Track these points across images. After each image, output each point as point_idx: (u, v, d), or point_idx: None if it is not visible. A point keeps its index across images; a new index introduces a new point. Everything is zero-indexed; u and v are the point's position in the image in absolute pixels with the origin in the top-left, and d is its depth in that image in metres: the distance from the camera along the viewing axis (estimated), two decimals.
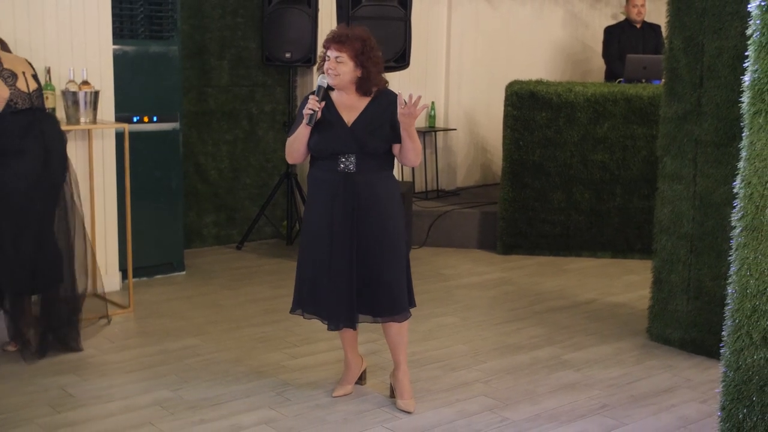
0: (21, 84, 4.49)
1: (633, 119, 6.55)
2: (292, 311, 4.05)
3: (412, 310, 3.99)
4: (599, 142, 6.61)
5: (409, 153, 3.80)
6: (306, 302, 3.97)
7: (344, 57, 3.76)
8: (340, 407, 3.99)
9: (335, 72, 3.77)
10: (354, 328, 3.98)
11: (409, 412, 3.92)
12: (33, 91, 4.53)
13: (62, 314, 4.64)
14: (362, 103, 3.84)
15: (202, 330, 5.02)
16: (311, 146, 3.83)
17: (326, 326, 3.96)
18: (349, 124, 3.81)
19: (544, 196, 6.73)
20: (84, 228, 4.81)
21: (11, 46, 5.07)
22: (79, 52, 5.38)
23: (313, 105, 3.74)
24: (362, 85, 3.82)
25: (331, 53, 3.77)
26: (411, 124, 3.73)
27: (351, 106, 3.84)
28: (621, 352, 4.78)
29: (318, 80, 3.82)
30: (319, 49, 3.95)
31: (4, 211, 4.44)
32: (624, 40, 8.00)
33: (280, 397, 4.09)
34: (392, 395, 4.04)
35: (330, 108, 3.83)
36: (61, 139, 4.65)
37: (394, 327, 3.94)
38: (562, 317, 5.37)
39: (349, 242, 3.82)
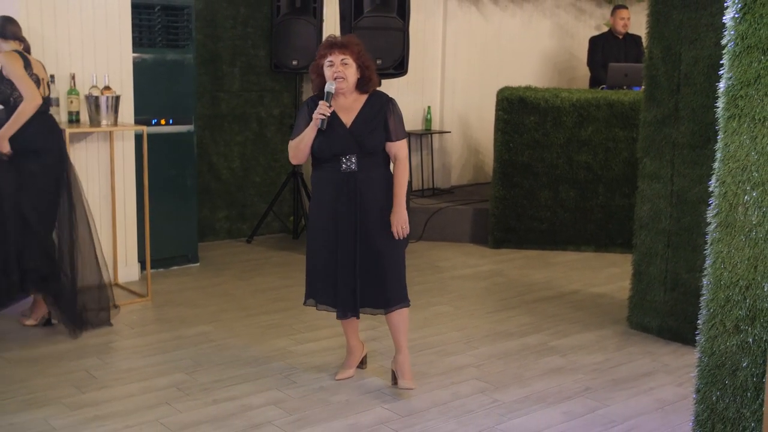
0: (43, 89, 4.63)
1: (615, 123, 6.55)
2: (306, 303, 4.04)
3: None
4: (583, 144, 6.61)
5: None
6: (319, 294, 3.97)
7: (349, 59, 3.76)
8: (343, 389, 4.00)
9: (343, 75, 3.76)
10: (358, 316, 3.98)
11: (411, 389, 3.92)
12: (48, 96, 4.72)
13: (93, 296, 4.75)
14: (358, 104, 3.84)
15: (214, 317, 5.02)
16: (314, 149, 3.82)
17: (335, 315, 3.97)
18: (348, 126, 3.81)
19: (532, 194, 6.73)
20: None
21: (39, 54, 5.09)
22: (101, 59, 5.38)
23: (324, 110, 3.73)
24: (364, 85, 3.83)
25: (335, 58, 3.75)
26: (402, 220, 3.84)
27: (348, 108, 3.83)
28: (603, 339, 4.78)
29: (326, 87, 3.79)
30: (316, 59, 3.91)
31: (44, 204, 4.62)
32: (607, 49, 8.00)
33: (287, 380, 4.09)
34: (394, 381, 4.01)
35: (331, 112, 3.82)
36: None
37: (396, 314, 3.95)
38: (548, 307, 5.37)
39: (353, 237, 3.83)
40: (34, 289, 4.68)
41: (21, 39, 4.65)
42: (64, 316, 4.63)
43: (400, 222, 3.81)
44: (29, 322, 4.74)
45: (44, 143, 4.59)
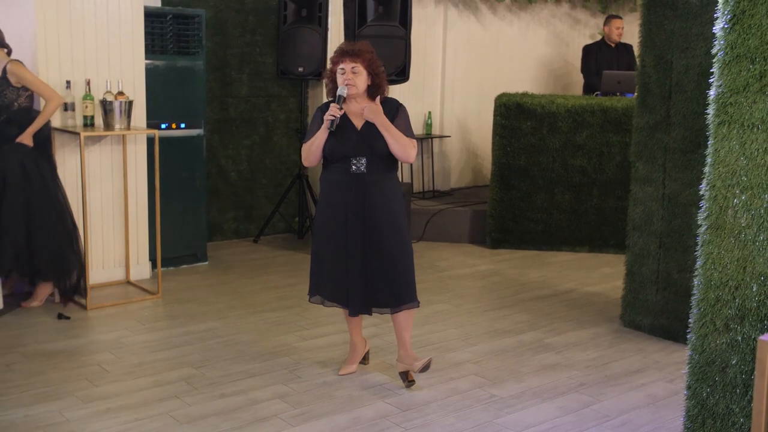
0: None
1: (609, 128, 6.54)
2: (311, 298, 4.02)
3: None
4: (578, 149, 6.60)
5: (391, 147, 3.76)
6: (327, 291, 3.94)
7: (359, 67, 3.75)
8: (346, 384, 3.99)
9: (353, 82, 3.75)
10: (370, 314, 3.96)
11: (429, 363, 3.89)
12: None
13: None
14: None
15: (222, 314, 5.01)
16: (326, 151, 3.81)
17: (342, 311, 3.95)
18: (359, 129, 3.80)
19: (529, 197, 6.72)
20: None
21: (56, 61, 5.11)
22: (115, 65, 5.38)
23: (335, 112, 3.73)
24: (374, 92, 3.81)
25: (346, 66, 3.75)
26: (376, 119, 3.72)
27: (359, 113, 3.83)
28: (597, 336, 4.77)
29: (338, 90, 3.78)
30: (329, 65, 3.92)
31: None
32: (600, 57, 7.98)
33: (292, 375, 4.08)
34: (405, 380, 3.97)
35: (343, 115, 3.80)
36: None
37: (404, 313, 3.93)
38: (544, 305, 5.36)
39: (362, 238, 3.81)
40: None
41: (5, 45, 4.83)
42: (72, 288, 4.98)
43: (375, 109, 3.74)
44: (35, 303, 4.91)
45: (44, 138, 4.90)
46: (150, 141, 5.51)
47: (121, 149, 5.47)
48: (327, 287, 3.93)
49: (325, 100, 3.92)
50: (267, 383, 3.97)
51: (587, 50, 8.09)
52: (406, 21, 6.34)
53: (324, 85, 3.94)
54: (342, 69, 3.77)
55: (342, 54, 3.78)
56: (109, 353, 4.32)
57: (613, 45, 8.04)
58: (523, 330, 4.85)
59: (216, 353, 4.36)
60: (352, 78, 3.75)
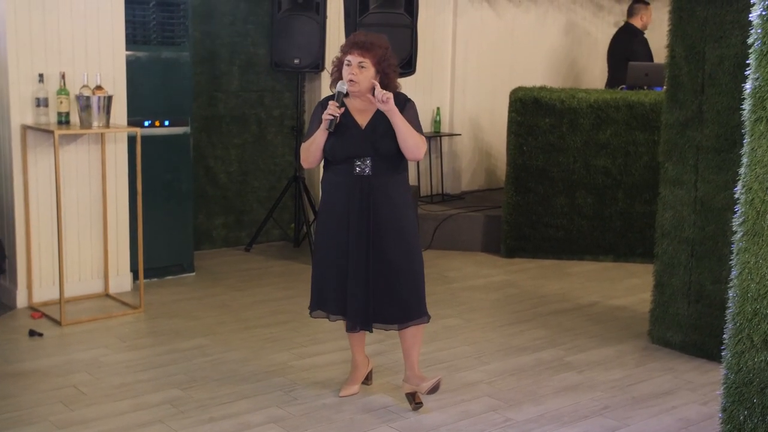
0: None
1: (635, 125, 6.55)
2: (312, 312, 4.03)
3: None
4: (602, 148, 6.61)
5: (404, 140, 3.75)
6: (329, 304, 3.95)
7: (367, 62, 3.75)
8: (347, 407, 3.99)
9: (356, 79, 3.75)
10: (370, 331, 3.97)
11: (438, 383, 3.88)
12: None
13: None
14: (375, 106, 3.83)
15: (211, 330, 5.02)
16: (326, 150, 3.82)
17: (344, 327, 3.96)
18: (363, 127, 3.81)
19: (548, 201, 6.73)
20: None
21: (27, 51, 5.12)
22: (92, 57, 5.40)
23: (333, 110, 3.73)
24: None
25: (353, 58, 3.76)
26: (388, 110, 3.71)
27: (364, 110, 3.84)
28: (623, 354, 4.78)
29: (337, 86, 3.80)
30: (329, 56, 3.93)
31: None
32: (646, 45, 7.97)
33: (288, 397, 4.09)
34: (412, 402, 3.97)
35: (345, 112, 3.82)
36: None
37: (413, 329, 3.94)
38: (564, 320, 5.36)
39: (366, 245, 3.82)
40: None
41: None
42: None
43: (386, 93, 3.70)
44: None
45: None
46: (131, 140, 5.53)
47: (99, 149, 5.49)
48: (330, 299, 3.94)
49: (325, 91, 3.92)
50: (260, 406, 3.98)
51: (634, 34, 7.98)
52: (412, 8, 6.35)
53: (330, 73, 3.94)
54: (348, 61, 3.77)
55: (352, 45, 3.78)
56: (86, 374, 4.33)
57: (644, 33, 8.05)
58: (541, 347, 4.86)
59: (204, 373, 4.37)
60: (357, 74, 3.76)
